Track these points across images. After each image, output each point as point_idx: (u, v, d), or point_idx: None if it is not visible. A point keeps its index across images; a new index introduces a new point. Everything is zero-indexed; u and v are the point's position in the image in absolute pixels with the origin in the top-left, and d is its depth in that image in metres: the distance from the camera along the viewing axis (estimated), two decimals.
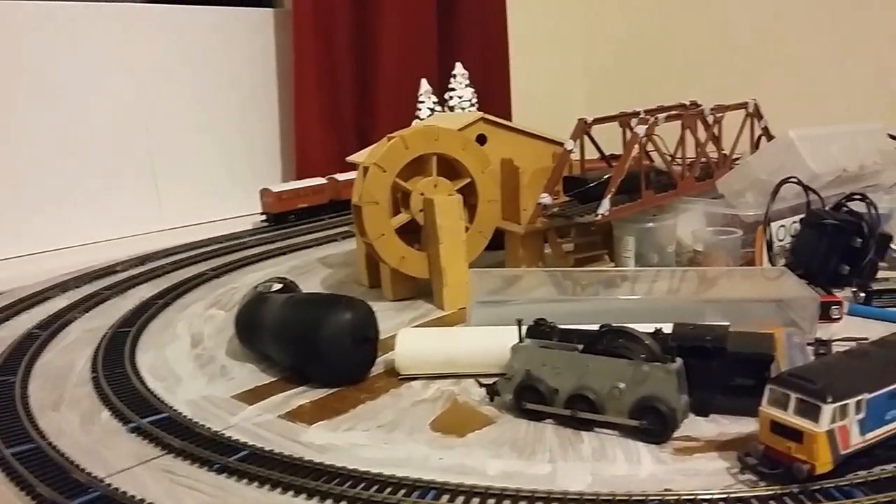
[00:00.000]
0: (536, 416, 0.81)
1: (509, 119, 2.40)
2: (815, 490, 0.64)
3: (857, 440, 0.65)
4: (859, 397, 0.64)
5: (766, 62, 2.37)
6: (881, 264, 1.15)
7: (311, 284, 1.38)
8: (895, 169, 1.41)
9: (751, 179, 1.25)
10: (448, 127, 1.23)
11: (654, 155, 1.29)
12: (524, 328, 0.84)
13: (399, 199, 1.21)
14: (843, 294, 1.10)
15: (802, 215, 1.19)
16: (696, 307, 1.00)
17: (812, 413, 0.63)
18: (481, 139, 1.30)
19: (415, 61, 2.14)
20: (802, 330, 0.96)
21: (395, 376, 0.95)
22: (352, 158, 1.35)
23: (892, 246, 1.20)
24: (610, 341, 0.78)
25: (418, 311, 1.21)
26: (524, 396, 0.81)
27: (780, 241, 1.21)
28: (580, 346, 0.80)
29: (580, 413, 0.78)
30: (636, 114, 1.27)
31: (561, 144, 1.27)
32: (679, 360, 0.76)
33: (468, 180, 1.23)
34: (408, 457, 0.76)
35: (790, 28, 2.34)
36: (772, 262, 1.18)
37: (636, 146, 1.16)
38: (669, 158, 1.25)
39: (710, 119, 1.32)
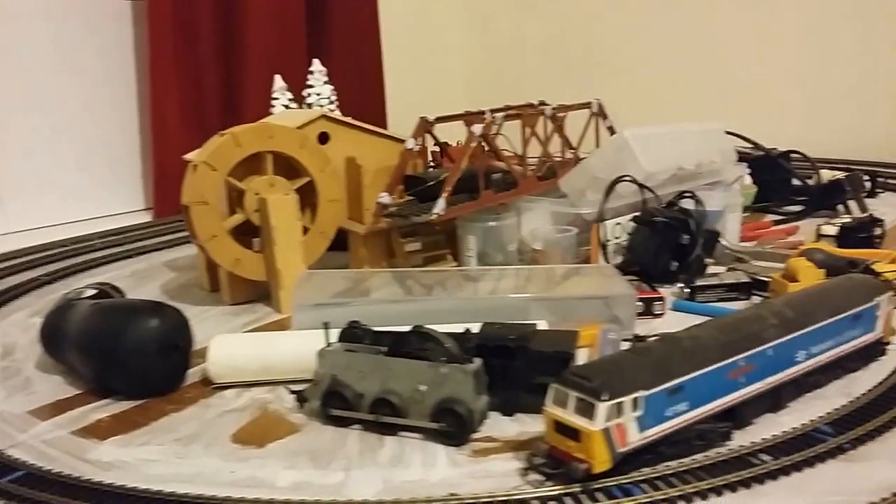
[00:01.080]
0: (342, 423, 0.79)
1: (384, 119, 2.39)
2: (596, 489, 0.65)
3: (635, 438, 0.65)
4: (636, 395, 0.64)
5: (639, 63, 2.45)
6: (709, 260, 1.19)
7: (149, 289, 1.32)
8: (734, 167, 1.47)
9: (590, 178, 1.27)
10: (286, 125, 1.19)
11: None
12: (333, 332, 0.81)
13: (234, 198, 1.17)
14: (670, 290, 1.13)
15: (637, 213, 1.21)
16: (525, 305, 1.00)
17: (588, 411, 0.63)
18: (323, 137, 1.26)
19: (283, 60, 2.07)
20: (623, 326, 0.97)
21: (209, 385, 0.90)
22: (187, 157, 1.29)
23: (722, 242, 1.24)
24: (413, 343, 0.76)
25: (255, 315, 1.16)
26: (330, 402, 0.79)
27: (617, 238, 1.23)
28: (385, 349, 0.78)
29: (383, 417, 0.76)
30: (481, 113, 1.27)
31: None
32: (478, 361, 0.75)
33: (307, 179, 1.19)
34: (198, 472, 0.72)
35: (658, 32, 2.41)
36: (607, 259, 1.20)
37: (472, 145, 1.15)
38: (511, 157, 1.26)
39: (554, 118, 1.33)
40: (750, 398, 0.73)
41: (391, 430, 0.77)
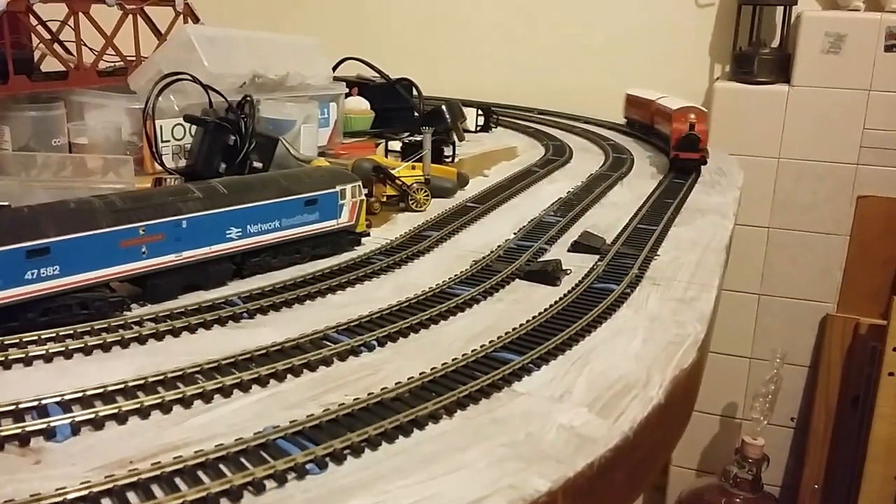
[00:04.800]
0: None
1: None
2: None
3: None
4: None
5: None
6: (257, 164, 1.18)
7: None
8: (325, 81, 1.47)
9: (157, 75, 1.21)
10: None
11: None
12: None
13: None
14: None
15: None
16: (26, 190, 0.93)
17: None
18: None
19: None
20: None
21: None
22: None
23: (290, 150, 1.24)
24: None
25: None
26: None
27: (178, 139, 1.19)
28: None
29: None
30: None
31: None
32: None
33: None
34: None
35: None
36: (157, 157, 1.15)
37: None
38: (54, 45, 1.16)
39: (120, 11, 1.24)
40: (164, 270, 0.72)
41: None
